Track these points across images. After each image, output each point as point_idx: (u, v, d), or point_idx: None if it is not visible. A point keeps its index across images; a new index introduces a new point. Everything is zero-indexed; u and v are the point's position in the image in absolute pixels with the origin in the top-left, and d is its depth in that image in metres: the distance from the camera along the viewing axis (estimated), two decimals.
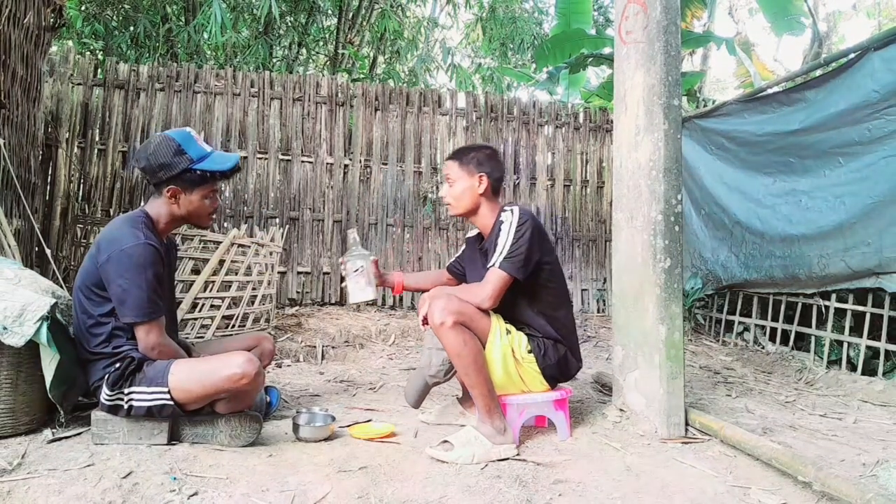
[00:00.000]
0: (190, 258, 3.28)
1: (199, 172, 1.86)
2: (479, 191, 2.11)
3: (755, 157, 3.85)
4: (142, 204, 4.48)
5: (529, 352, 2.00)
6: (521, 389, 2.04)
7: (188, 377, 1.76)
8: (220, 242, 3.32)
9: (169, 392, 1.75)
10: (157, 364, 1.79)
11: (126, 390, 1.76)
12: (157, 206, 1.91)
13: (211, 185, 1.91)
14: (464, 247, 2.40)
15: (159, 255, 1.81)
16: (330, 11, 8.41)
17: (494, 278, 1.95)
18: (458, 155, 2.16)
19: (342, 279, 2.21)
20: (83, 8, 6.73)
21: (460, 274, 2.37)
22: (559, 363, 2.06)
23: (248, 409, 1.89)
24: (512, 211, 2.05)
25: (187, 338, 2.71)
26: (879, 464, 1.88)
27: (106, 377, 1.77)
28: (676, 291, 2.16)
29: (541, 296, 2.07)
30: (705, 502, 1.59)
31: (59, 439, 1.81)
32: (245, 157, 4.70)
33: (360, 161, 4.93)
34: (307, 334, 3.89)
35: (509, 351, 1.96)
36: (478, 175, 2.10)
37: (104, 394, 1.77)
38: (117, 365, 1.78)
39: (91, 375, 1.83)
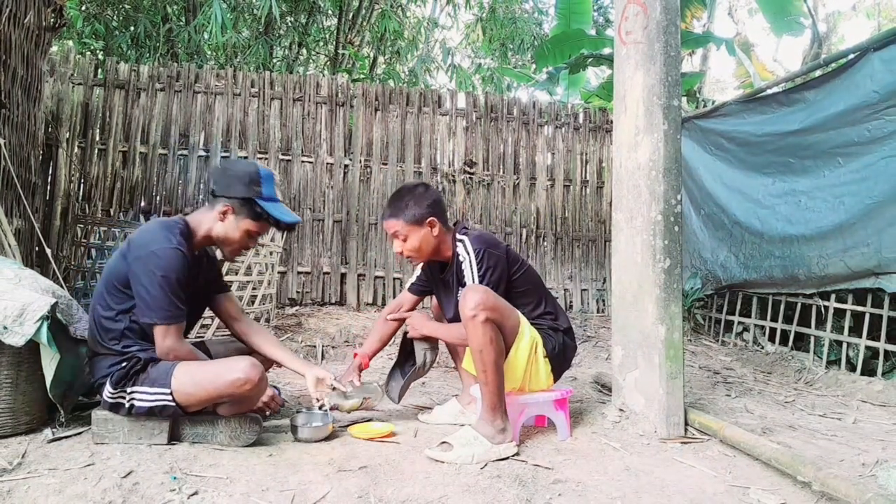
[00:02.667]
0: None
1: (259, 210, 1.88)
2: (433, 234, 2.07)
3: (755, 158, 3.86)
4: (141, 203, 4.51)
5: (546, 347, 2.04)
6: (527, 387, 2.05)
7: (191, 380, 1.76)
8: None
9: (171, 394, 1.75)
10: (162, 365, 1.79)
11: (129, 389, 1.77)
12: (203, 218, 1.91)
13: (260, 228, 1.93)
14: (419, 267, 2.36)
15: (186, 263, 1.81)
16: (330, 11, 8.41)
17: None
18: (395, 211, 2.07)
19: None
20: (83, 8, 6.73)
21: (428, 291, 2.36)
22: (562, 350, 2.11)
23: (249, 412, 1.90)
24: (464, 245, 2.06)
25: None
26: (878, 464, 1.89)
27: (110, 375, 1.78)
28: (676, 291, 2.16)
29: (520, 301, 2.10)
30: (705, 502, 1.59)
31: (60, 439, 1.82)
32: (245, 157, 4.71)
33: (360, 161, 4.93)
34: (307, 334, 3.89)
35: (534, 346, 2.00)
36: (427, 222, 2.06)
37: (107, 391, 1.78)
38: (123, 364, 1.78)
39: (96, 371, 1.83)
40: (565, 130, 5.45)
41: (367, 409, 2.26)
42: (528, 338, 1.99)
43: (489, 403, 1.88)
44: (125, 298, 1.80)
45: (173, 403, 1.76)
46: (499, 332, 1.88)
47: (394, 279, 4.87)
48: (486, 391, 1.88)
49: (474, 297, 1.84)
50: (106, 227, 3.65)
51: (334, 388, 2.05)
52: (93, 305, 1.86)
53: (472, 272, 2.02)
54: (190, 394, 1.75)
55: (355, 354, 2.30)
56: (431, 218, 2.06)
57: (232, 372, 1.75)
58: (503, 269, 2.05)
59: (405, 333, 2.26)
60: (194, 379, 1.76)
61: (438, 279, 2.25)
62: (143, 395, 1.76)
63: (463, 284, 2.04)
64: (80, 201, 4.39)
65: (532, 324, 2.06)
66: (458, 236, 2.11)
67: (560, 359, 2.11)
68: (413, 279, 2.41)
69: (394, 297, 4.84)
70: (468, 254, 2.04)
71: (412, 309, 2.38)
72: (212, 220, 1.90)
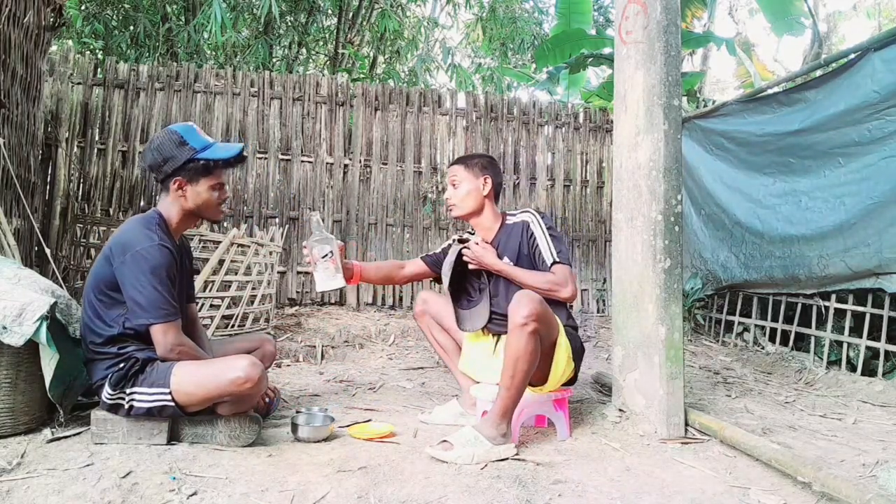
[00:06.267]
0: None
1: (202, 162, 1.86)
2: (483, 192, 2.22)
3: (755, 158, 3.85)
4: (141, 203, 4.51)
5: (571, 348, 2.07)
6: (549, 388, 2.06)
7: (190, 380, 1.75)
8: (220, 242, 3.32)
9: (170, 394, 1.74)
10: (160, 365, 1.79)
11: (128, 390, 1.76)
12: (168, 204, 1.91)
13: (216, 176, 1.91)
14: (447, 244, 2.38)
15: (173, 257, 1.81)
16: (330, 11, 8.40)
17: (568, 272, 2.07)
18: (463, 159, 2.28)
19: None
20: (83, 7, 6.73)
21: (437, 269, 2.36)
22: (580, 348, 2.15)
23: (249, 411, 1.89)
24: (530, 213, 2.20)
25: None
26: (879, 464, 1.89)
27: (109, 377, 1.77)
28: (676, 292, 2.16)
29: None
30: (705, 502, 1.59)
31: (59, 439, 1.81)
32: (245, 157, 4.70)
33: (360, 161, 4.93)
34: (307, 334, 3.89)
35: (567, 352, 2.02)
36: (482, 177, 2.22)
37: (106, 393, 1.77)
38: (121, 365, 1.78)
39: (94, 374, 1.83)
40: (565, 130, 5.44)
41: (322, 273, 2.05)
42: (565, 346, 2.01)
43: (502, 408, 1.88)
44: (115, 303, 1.79)
45: (172, 403, 1.75)
46: (539, 345, 1.88)
47: None
48: (504, 395, 1.88)
49: (529, 305, 1.83)
50: (105, 226, 3.65)
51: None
52: (83, 312, 1.86)
53: (545, 236, 2.11)
54: (190, 393, 1.75)
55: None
56: (488, 176, 2.22)
57: (232, 370, 1.74)
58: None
59: (459, 257, 2.19)
60: (194, 378, 1.75)
61: None
62: (143, 395, 1.76)
63: (534, 251, 2.11)
64: (80, 201, 4.38)
65: (557, 307, 2.09)
66: (511, 212, 2.25)
67: (580, 356, 2.14)
68: (432, 252, 2.44)
69: (394, 297, 4.85)
70: (535, 217, 2.16)
71: (413, 276, 2.42)
72: (176, 201, 1.90)
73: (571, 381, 2.16)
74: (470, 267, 2.20)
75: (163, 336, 1.77)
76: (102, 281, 1.80)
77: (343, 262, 2.12)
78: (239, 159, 1.95)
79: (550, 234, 2.12)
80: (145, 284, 1.74)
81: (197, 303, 3.15)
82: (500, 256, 2.17)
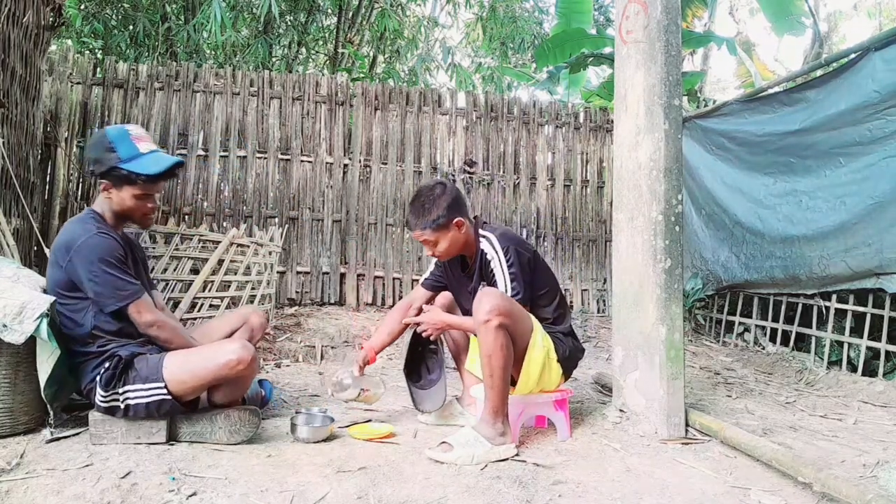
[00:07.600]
0: (189, 258, 3.27)
1: (125, 172, 1.83)
2: (462, 233, 2.06)
3: (756, 158, 3.85)
4: None
5: (557, 352, 2.03)
6: (539, 389, 2.05)
7: (183, 368, 1.76)
8: (220, 242, 3.32)
9: (165, 386, 1.75)
10: (150, 359, 1.80)
11: (121, 390, 1.76)
12: (101, 202, 1.92)
13: (141, 188, 1.86)
14: (433, 262, 2.35)
15: (116, 242, 1.83)
16: (330, 10, 8.39)
17: None
18: (419, 221, 2.04)
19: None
20: (82, 7, 6.72)
21: (441, 287, 2.32)
22: (572, 354, 2.11)
23: (244, 397, 1.90)
24: (489, 242, 2.05)
25: None
26: (880, 465, 1.88)
27: (98, 378, 1.77)
28: (676, 292, 2.15)
29: (539, 301, 2.10)
30: (705, 503, 1.58)
31: (58, 439, 1.81)
32: (244, 157, 4.70)
33: (360, 161, 4.92)
34: (306, 334, 3.88)
35: (546, 353, 1.99)
36: (454, 224, 2.04)
37: (99, 396, 1.77)
38: (107, 364, 1.78)
39: (83, 378, 1.83)
40: (566, 130, 5.44)
41: (365, 402, 2.21)
42: (540, 345, 1.97)
43: (492, 407, 1.88)
44: (79, 301, 1.81)
45: (169, 396, 1.76)
46: (510, 339, 1.87)
47: (393, 279, 4.86)
48: (490, 394, 1.88)
49: (489, 301, 1.83)
50: None
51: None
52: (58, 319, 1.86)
53: (504, 273, 1.99)
54: (184, 381, 1.76)
55: (361, 346, 2.28)
56: (458, 219, 2.04)
57: (224, 354, 1.76)
58: (531, 269, 2.05)
59: (414, 336, 2.21)
60: (186, 366, 1.77)
61: (460, 274, 2.21)
62: (137, 392, 1.76)
63: (492, 283, 2.02)
64: (79, 200, 4.37)
65: (546, 327, 2.05)
66: (482, 232, 2.09)
67: (570, 361, 2.12)
68: (427, 274, 2.37)
69: (393, 297, 4.83)
70: (496, 252, 2.03)
71: (425, 304, 2.35)
72: (105, 201, 1.90)
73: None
74: (432, 337, 2.16)
75: (138, 315, 1.79)
76: (57, 285, 1.82)
77: (360, 363, 2.18)
78: (166, 175, 1.89)
79: (510, 271, 1.99)
80: (98, 273, 1.75)
81: (196, 303, 3.15)
82: (477, 280, 2.11)
